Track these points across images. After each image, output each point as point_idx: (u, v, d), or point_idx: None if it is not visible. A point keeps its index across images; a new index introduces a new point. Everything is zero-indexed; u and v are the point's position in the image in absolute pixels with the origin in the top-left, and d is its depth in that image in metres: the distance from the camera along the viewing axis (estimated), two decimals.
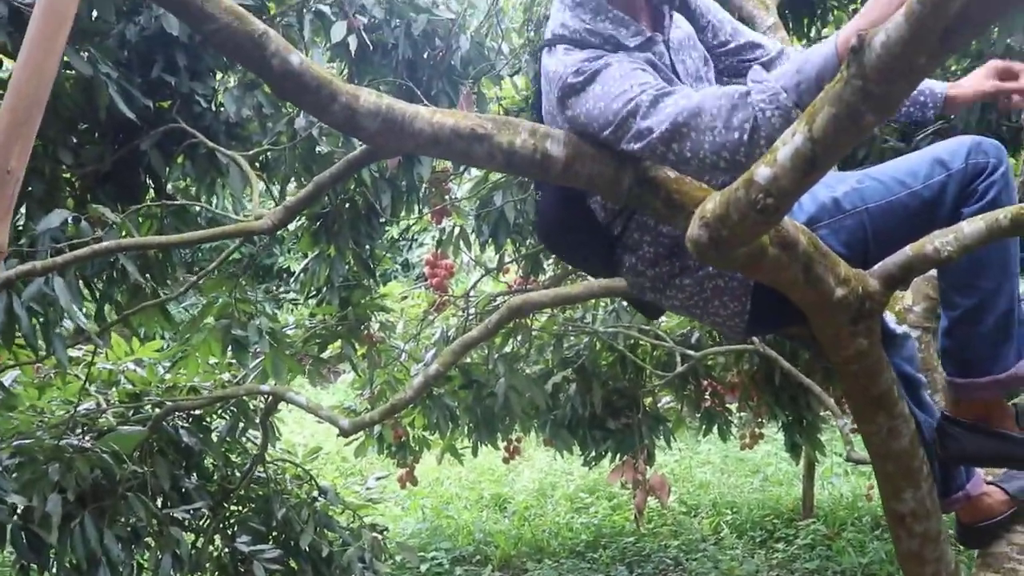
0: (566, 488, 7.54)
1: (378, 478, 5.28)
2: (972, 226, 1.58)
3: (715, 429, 5.57)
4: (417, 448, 5.69)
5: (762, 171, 1.13)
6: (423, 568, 5.91)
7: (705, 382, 5.52)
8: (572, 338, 5.41)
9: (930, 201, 1.70)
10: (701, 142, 1.47)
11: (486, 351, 5.19)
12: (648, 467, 5.46)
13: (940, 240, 1.60)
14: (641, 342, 5.17)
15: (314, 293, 4.58)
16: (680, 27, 1.88)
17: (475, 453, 5.73)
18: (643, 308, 2.25)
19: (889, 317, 2.06)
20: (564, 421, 5.25)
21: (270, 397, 3.76)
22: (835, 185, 1.81)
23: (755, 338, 4.03)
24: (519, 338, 5.55)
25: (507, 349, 5.37)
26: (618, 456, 5.49)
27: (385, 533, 4.21)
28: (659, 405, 5.87)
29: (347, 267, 4.35)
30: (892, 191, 1.74)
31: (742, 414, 6.08)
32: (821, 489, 7.96)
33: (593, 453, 5.52)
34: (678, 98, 1.53)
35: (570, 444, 5.41)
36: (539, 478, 7.99)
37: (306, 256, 4.60)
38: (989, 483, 2.16)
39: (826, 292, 1.60)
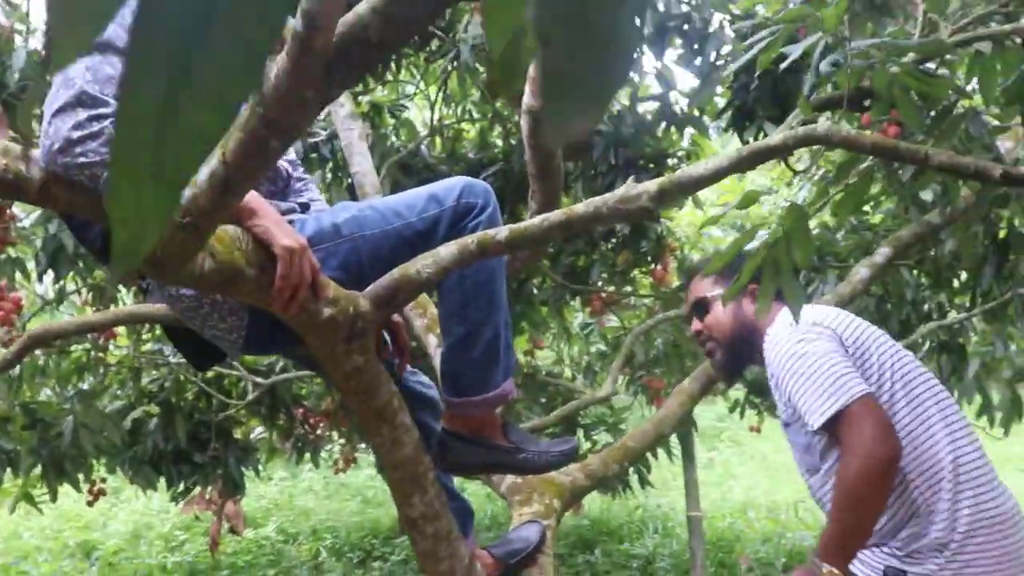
0: (161, 527, 7.18)
1: None
2: (447, 250, 1.76)
3: (307, 456, 5.62)
4: None
5: (184, 193, 1.19)
6: None
7: (299, 411, 5.58)
8: (155, 371, 5.22)
9: (423, 232, 1.86)
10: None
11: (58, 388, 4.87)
12: (238, 498, 5.39)
13: (421, 263, 1.77)
14: (225, 372, 5.10)
15: None
16: None
17: (53, 499, 5.29)
18: (177, 343, 2.22)
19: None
20: (146, 457, 5.02)
21: None
22: (339, 213, 1.94)
23: None
24: (102, 371, 5.27)
25: (84, 385, 5.08)
26: (208, 489, 5.38)
27: None
28: (252, 436, 5.81)
29: None
30: (388, 221, 1.90)
31: (341, 441, 6.21)
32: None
33: (181, 488, 5.34)
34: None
35: (154, 481, 5.19)
36: (134, 519, 7.54)
37: None
38: (483, 548, 2.43)
39: (314, 312, 1.70)
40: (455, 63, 3.75)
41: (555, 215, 1.70)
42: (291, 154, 2.09)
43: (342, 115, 3.61)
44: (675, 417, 3.31)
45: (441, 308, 1.99)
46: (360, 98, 4.54)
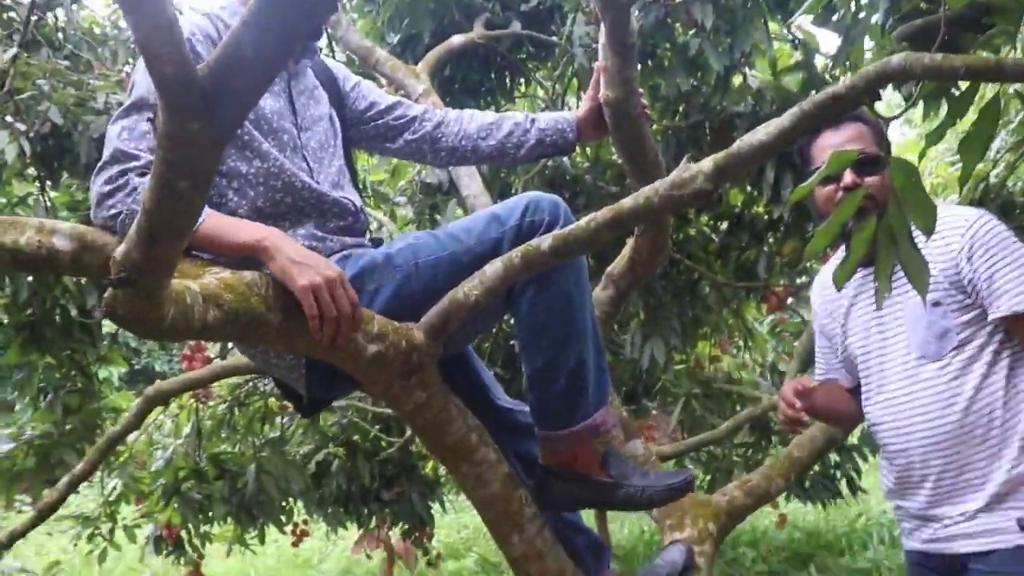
0: (368, 564, 7.30)
1: None
2: (492, 268, 1.60)
3: None
4: (199, 544, 5.44)
5: (119, 248, 1.09)
6: None
7: None
8: (335, 414, 5.30)
9: (484, 256, 1.68)
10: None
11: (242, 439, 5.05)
12: (427, 535, 5.39)
13: (468, 286, 1.61)
14: None
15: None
16: (308, 77, 1.98)
17: (262, 541, 5.54)
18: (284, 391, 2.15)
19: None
20: (331, 497, 5.11)
21: None
22: (396, 243, 1.81)
23: None
24: (285, 419, 5.44)
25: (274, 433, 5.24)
26: (399, 525, 5.41)
27: None
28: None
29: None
30: (445, 247, 1.74)
31: None
32: (620, 528, 8.06)
33: (373, 525, 5.40)
34: None
35: (343, 520, 5.28)
36: (347, 556, 7.73)
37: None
38: None
39: (359, 349, 1.57)
40: (572, 66, 3.58)
41: (602, 213, 1.49)
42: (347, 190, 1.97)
43: None
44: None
45: (519, 340, 1.82)
46: None
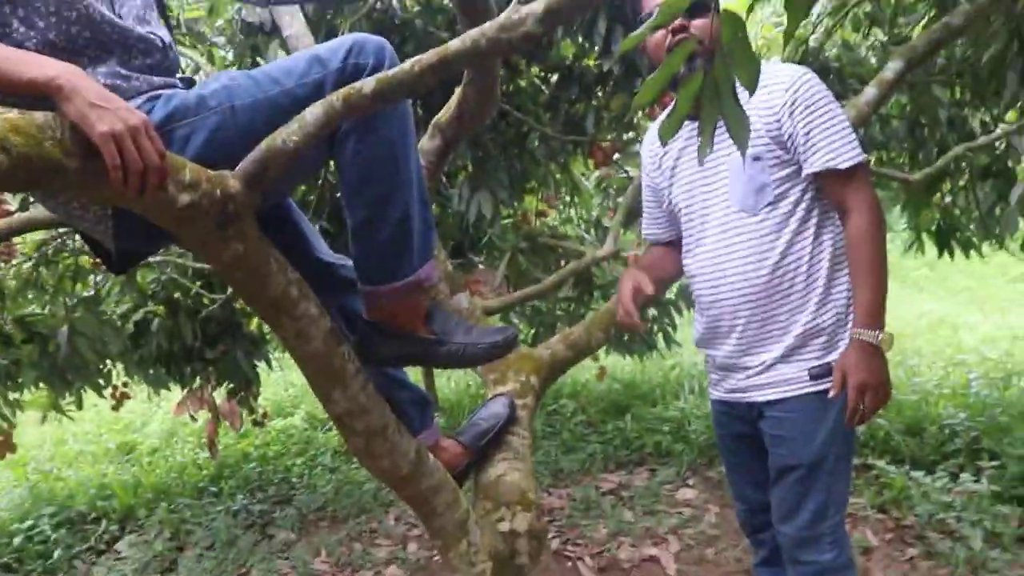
0: (194, 425, 7.19)
1: None
2: (312, 112, 1.50)
3: None
4: (8, 413, 5.18)
5: None
6: (16, 541, 5.39)
7: None
8: (154, 271, 5.06)
9: (304, 100, 1.57)
10: None
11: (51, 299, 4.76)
12: (254, 393, 5.32)
13: (286, 131, 1.51)
14: None
15: None
16: None
17: (79, 407, 5.34)
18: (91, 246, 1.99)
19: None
20: (152, 359, 4.93)
21: None
22: (209, 83, 1.67)
23: None
24: (99, 278, 5.15)
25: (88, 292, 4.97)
26: (224, 384, 5.31)
27: None
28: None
29: None
30: (263, 88, 1.62)
31: None
32: (447, 383, 8.23)
33: (197, 385, 5.27)
34: None
35: (165, 382, 5.14)
36: (170, 419, 7.57)
37: None
38: (449, 436, 2.26)
39: (169, 199, 1.46)
40: None
41: (428, 56, 1.41)
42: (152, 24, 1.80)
43: None
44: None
45: (341, 189, 1.73)
46: None
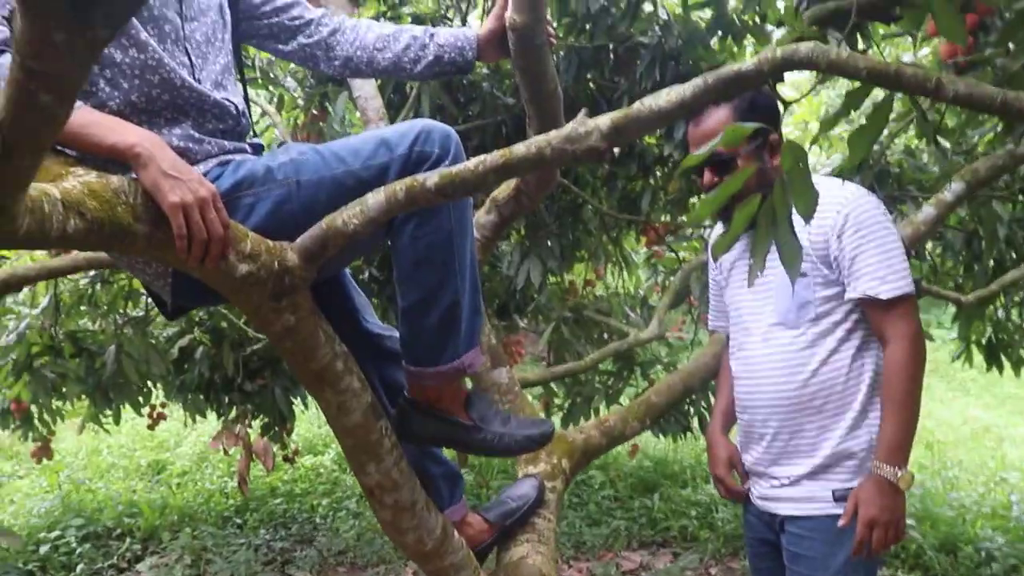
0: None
1: None
2: (375, 198, 1.54)
3: None
4: (49, 421, 5.27)
5: None
6: (42, 550, 5.46)
7: None
8: None
9: (368, 182, 1.62)
10: None
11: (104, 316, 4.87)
12: (287, 430, 5.36)
13: (348, 213, 1.56)
14: None
15: None
16: None
17: (117, 421, 5.43)
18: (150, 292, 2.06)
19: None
20: (192, 385, 5.00)
21: None
22: (278, 155, 1.73)
23: None
24: (150, 300, 5.25)
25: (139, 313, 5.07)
26: (259, 418, 5.36)
27: None
28: None
29: None
30: (329, 167, 1.67)
31: None
32: None
33: (233, 415, 5.33)
34: None
35: (202, 408, 5.20)
36: (203, 441, 7.65)
37: None
38: (474, 510, 2.27)
39: (229, 268, 1.51)
40: None
41: (492, 157, 1.45)
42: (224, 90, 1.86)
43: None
44: (706, 369, 3.05)
45: (395, 272, 1.77)
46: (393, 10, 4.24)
